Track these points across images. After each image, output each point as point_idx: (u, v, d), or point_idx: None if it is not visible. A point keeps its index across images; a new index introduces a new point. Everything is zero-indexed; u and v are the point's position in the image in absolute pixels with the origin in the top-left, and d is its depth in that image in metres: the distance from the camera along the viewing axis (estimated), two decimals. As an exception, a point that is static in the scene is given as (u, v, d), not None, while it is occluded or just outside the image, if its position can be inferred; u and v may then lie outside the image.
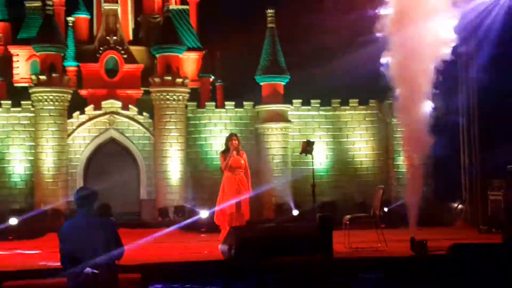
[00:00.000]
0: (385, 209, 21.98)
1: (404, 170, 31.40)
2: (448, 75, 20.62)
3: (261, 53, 30.98)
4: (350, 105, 31.99)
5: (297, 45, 33.58)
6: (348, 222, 14.37)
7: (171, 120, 30.08)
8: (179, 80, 30.21)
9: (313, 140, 18.39)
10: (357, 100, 31.93)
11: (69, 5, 35.91)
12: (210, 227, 21.00)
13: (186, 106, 30.78)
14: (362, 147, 31.90)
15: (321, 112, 31.89)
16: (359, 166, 31.80)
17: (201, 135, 31.20)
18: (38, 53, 30.43)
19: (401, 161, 31.49)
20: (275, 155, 30.53)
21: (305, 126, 31.54)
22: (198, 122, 31.28)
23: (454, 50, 17.29)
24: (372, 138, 31.90)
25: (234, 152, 15.26)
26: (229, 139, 15.57)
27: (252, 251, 12.12)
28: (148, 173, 30.33)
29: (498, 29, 19.41)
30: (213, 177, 30.64)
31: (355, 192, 30.56)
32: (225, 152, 15.47)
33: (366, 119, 32.07)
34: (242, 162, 15.49)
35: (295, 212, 27.78)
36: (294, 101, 31.46)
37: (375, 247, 13.92)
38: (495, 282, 10.10)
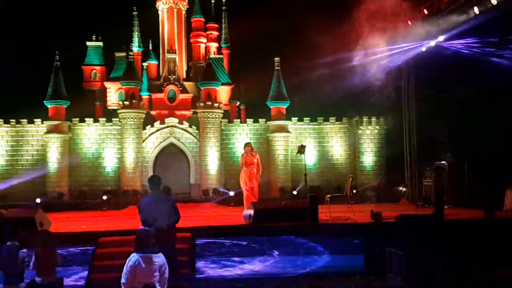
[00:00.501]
0: (354, 191, 21.80)
1: (366, 165, 31.38)
2: (396, 98, 20.52)
3: (271, 86, 30.98)
4: (330, 121, 31.88)
5: (295, 79, 33.53)
6: (328, 199, 14.25)
7: (210, 131, 30.07)
8: (216, 104, 30.20)
9: (305, 144, 18.32)
10: (334, 117, 31.89)
11: (144, 54, 36.14)
12: (236, 202, 20.93)
13: (221, 122, 30.76)
14: (338, 149, 31.73)
15: (310, 126, 31.80)
16: (336, 161, 31.61)
17: (230, 141, 31.15)
18: (123, 86, 30.54)
19: (363, 158, 31.37)
20: (280, 154, 30.42)
21: (300, 135, 31.42)
22: (228, 132, 31.25)
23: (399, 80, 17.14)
24: (344, 143, 31.74)
25: (248, 154, 15.28)
26: (245, 146, 15.70)
27: (264, 218, 12.07)
28: (195, 166, 30.30)
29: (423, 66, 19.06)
30: (238, 169, 30.62)
31: (333, 179, 30.39)
32: (243, 154, 15.54)
33: (341, 130, 31.93)
34: (255, 160, 15.34)
35: (295, 192, 27.61)
36: (292, 118, 31.39)
37: (347, 216, 13.80)
38: (427, 239, 9.97)
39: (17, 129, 29.41)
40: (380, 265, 10.61)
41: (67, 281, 9.38)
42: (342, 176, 29.26)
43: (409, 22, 17.57)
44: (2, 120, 29.22)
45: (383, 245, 10.57)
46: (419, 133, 20.25)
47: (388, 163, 30.70)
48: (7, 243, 7.43)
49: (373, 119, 31.31)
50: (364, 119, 31.25)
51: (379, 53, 17.65)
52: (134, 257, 6.16)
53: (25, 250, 7.40)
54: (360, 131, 31.36)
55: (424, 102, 19.81)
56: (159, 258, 6.22)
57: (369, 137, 31.41)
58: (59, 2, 42.90)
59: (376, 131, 31.41)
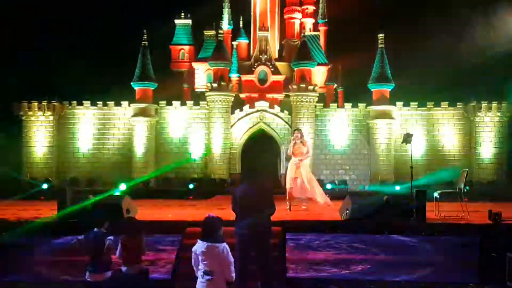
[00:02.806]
0: (468, 187, 20.78)
1: (484, 157, 29.82)
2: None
3: (373, 66, 30.29)
4: (442, 106, 30.71)
5: (401, 58, 32.52)
6: (438, 196, 13.72)
7: (304, 116, 30.04)
8: (310, 87, 30.09)
9: (411, 133, 17.70)
10: (447, 102, 30.66)
11: (234, 33, 36.74)
12: (332, 196, 20.70)
13: (315, 106, 30.62)
14: (450, 139, 30.50)
15: (418, 111, 30.77)
16: (447, 153, 30.42)
17: (326, 127, 30.94)
18: (212, 68, 31.32)
19: (481, 150, 29.84)
20: (382, 144, 29.75)
21: (406, 122, 30.53)
22: (324, 118, 31.04)
23: None
24: (458, 132, 30.46)
25: (297, 142, 14.07)
26: (294, 131, 14.60)
27: (363, 214, 11.85)
28: (285, 154, 30.38)
29: None
30: (334, 159, 30.46)
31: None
32: (292, 141, 14.30)
33: (454, 117, 30.65)
34: (304, 150, 14.15)
35: (397, 187, 26.84)
36: (397, 103, 30.55)
37: (460, 216, 13.21)
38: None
39: (104, 111, 31.24)
40: (498, 272, 10.10)
41: (152, 270, 9.84)
42: (455, 170, 28.06)
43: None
44: (89, 102, 31.15)
45: (502, 250, 10.04)
46: None
47: (510, 155, 29.01)
48: (94, 230, 7.92)
49: (494, 105, 29.64)
50: (483, 105, 29.67)
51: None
52: (199, 244, 6.60)
53: (111, 237, 7.82)
54: (477, 119, 29.81)
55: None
56: (223, 248, 6.55)
57: (488, 125, 29.79)
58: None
59: (497, 118, 29.71)
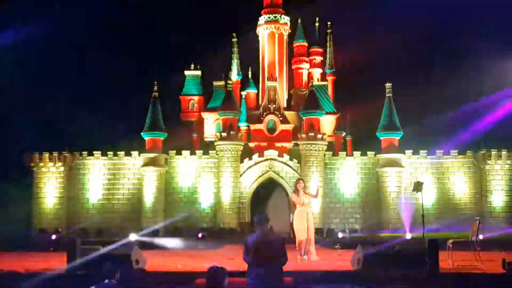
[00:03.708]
0: (481, 236, 20.46)
1: (496, 205, 29.51)
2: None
3: (381, 114, 30.48)
4: (451, 154, 30.67)
5: (409, 107, 32.85)
6: (451, 245, 13.52)
7: (313, 164, 30.06)
8: (319, 135, 30.24)
9: (422, 181, 17.61)
10: (456, 150, 30.63)
11: (243, 83, 37.30)
12: (344, 244, 20.44)
13: (324, 155, 30.67)
14: (460, 187, 30.31)
15: (428, 160, 30.73)
16: (458, 201, 30.17)
17: (335, 176, 30.89)
18: (221, 117, 31.66)
19: (492, 198, 29.59)
20: (392, 192, 29.59)
21: (415, 171, 30.45)
22: (333, 166, 31.04)
23: None
24: (469, 180, 30.29)
25: (299, 192, 13.86)
26: (296, 182, 14.27)
27: (375, 264, 11.69)
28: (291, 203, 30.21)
29: None
30: (344, 206, 30.28)
31: (455, 222, 28.93)
32: (295, 192, 14.06)
33: (464, 165, 30.55)
34: (306, 201, 13.96)
35: (408, 236, 26.45)
36: (406, 151, 30.56)
37: (473, 265, 12.98)
38: None
39: (114, 161, 31.46)
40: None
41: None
42: (466, 219, 27.82)
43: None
44: (99, 152, 31.44)
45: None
46: None
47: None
48: (105, 281, 7.84)
49: (504, 153, 29.56)
50: (493, 153, 29.59)
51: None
52: None
53: (121, 289, 7.72)
54: (488, 167, 29.71)
55: None
56: None
57: (499, 173, 29.64)
58: (157, 31, 45.82)
59: (507, 166, 29.59)
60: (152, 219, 29.57)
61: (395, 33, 38.27)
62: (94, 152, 31.47)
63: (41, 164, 30.87)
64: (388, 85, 30.62)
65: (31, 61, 36.50)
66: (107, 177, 31.24)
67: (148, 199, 30.11)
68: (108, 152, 31.50)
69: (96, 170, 31.27)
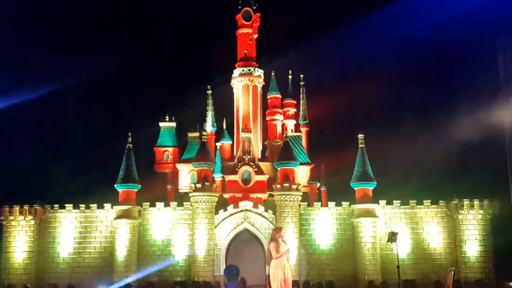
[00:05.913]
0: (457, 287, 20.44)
1: (470, 255, 29.64)
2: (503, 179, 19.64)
3: (355, 165, 30.76)
4: (424, 204, 30.91)
5: (381, 157, 33.28)
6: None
7: (288, 215, 29.96)
8: (294, 186, 30.28)
9: (396, 231, 17.67)
10: (429, 200, 30.92)
11: (218, 134, 37.36)
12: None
13: (299, 205, 30.64)
14: (435, 237, 30.42)
15: (401, 210, 30.90)
16: (433, 251, 30.21)
17: (310, 227, 30.78)
18: (196, 168, 31.51)
19: (466, 248, 29.74)
20: (367, 242, 29.51)
21: (390, 221, 30.55)
22: (308, 217, 30.96)
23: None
24: (443, 230, 30.46)
25: (278, 241, 13.78)
26: (275, 231, 14.17)
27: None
28: (267, 255, 29.89)
29: None
30: (320, 259, 30.05)
31: (431, 272, 28.94)
32: (273, 241, 13.80)
33: (438, 215, 30.79)
34: (283, 250, 13.84)
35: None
36: (380, 201, 30.74)
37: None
38: None
39: (86, 214, 30.88)
40: None
41: None
42: (441, 269, 27.94)
43: None
44: (71, 205, 30.89)
45: None
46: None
47: (496, 253, 28.93)
48: None
49: (476, 202, 29.92)
50: (465, 203, 29.93)
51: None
52: None
53: None
54: (460, 216, 30.00)
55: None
56: None
57: (472, 223, 29.92)
58: (131, 83, 46.04)
59: (480, 216, 29.90)
60: (125, 273, 28.89)
61: (368, 81, 39.17)
62: (65, 205, 30.89)
63: (11, 217, 30.15)
64: (360, 136, 31.08)
65: (1, 113, 36.21)
66: (79, 230, 30.59)
67: (121, 252, 29.47)
68: (80, 205, 30.95)
69: (68, 223, 30.63)
